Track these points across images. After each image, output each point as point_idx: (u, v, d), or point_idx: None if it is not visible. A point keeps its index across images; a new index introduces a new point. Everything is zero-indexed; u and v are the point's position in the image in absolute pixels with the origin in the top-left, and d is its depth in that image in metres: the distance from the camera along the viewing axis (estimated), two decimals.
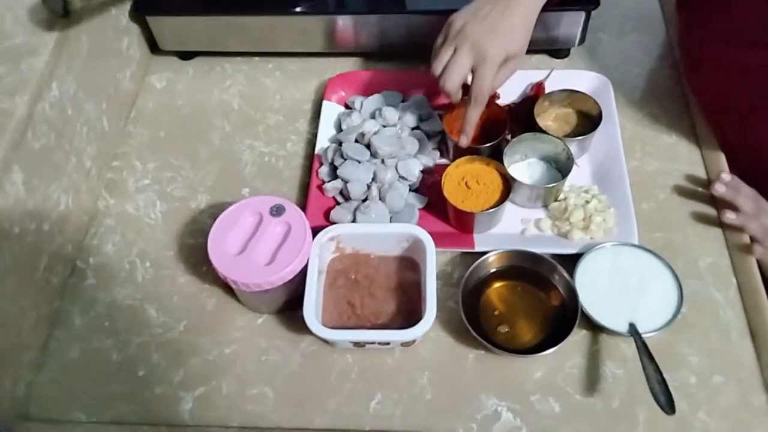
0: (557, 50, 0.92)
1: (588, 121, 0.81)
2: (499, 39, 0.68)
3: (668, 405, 0.59)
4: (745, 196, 0.73)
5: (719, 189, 0.74)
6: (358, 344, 0.68)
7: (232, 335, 0.71)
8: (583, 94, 0.81)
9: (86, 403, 0.67)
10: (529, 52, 0.90)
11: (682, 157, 0.82)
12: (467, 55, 0.69)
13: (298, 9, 0.87)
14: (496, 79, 0.71)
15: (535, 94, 0.85)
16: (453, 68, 0.69)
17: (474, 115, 0.73)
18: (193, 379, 0.68)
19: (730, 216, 0.72)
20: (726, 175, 0.75)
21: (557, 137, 0.77)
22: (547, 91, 0.85)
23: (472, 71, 0.70)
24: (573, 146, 0.77)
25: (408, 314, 0.69)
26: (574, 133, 0.80)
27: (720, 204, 0.75)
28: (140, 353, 0.70)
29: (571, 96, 0.81)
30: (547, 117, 0.82)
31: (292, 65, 0.95)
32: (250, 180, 0.83)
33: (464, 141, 0.75)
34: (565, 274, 0.68)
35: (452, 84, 0.70)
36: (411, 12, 0.87)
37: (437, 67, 0.71)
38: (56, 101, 0.73)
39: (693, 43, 0.83)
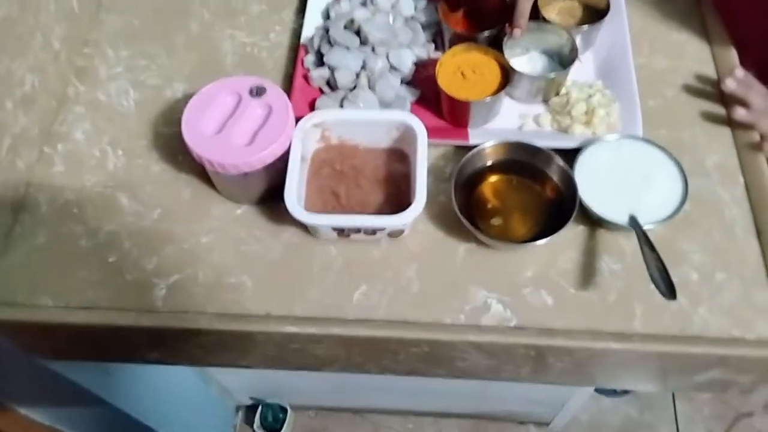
0: None
1: (594, 15, 0.75)
2: None
3: (668, 291, 0.56)
4: (758, 92, 0.69)
5: (730, 85, 0.70)
6: (342, 234, 0.64)
7: (209, 225, 0.67)
8: None
9: (53, 288, 0.63)
10: None
11: (691, 54, 0.77)
12: None
13: None
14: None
15: None
16: None
17: (526, 5, 0.69)
18: (167, 267, 0.64)
19: (741, 112, 0.68)
20: (739, 71, 0.70)
21: (561, 27, 0.71)
22: None
23: None
24: (578, 38, 0.72)
25: (396, 206, 0.65)
26: (580, 24, 0.75)
27: (730, 101, 0.71)
28: (111, 240, 0.66)
29: None
30: (551, 9, 0.77)
31: None
32: (231, 70, 0.78)
33: (517, 33, 0.71)
34: (564, 165, 0.64)
35: None
36: None
37: None
38: None
39: None
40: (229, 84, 0.65)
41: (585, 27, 0.73)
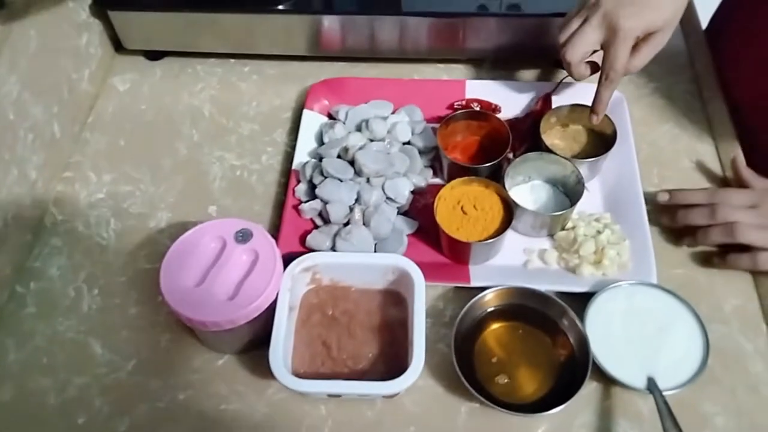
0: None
1: (600, 141, 0.72)
2: (636, 9, 0.61)
3: None
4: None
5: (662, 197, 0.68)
6: (333, 394, 0.58)
7: (188, 378, 0.61)
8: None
9: None
10: (534, 62, 0.83)
11: (703, 183, 0.73)
12: (597, 27, 0.63)
13: (280, 7, 0.78)
14: (635, 58, 0.65)
15: (540, 109, 0.76)
16: (577, 38, 0.64)
17: (606, 94, 0.68)
18: (140, 430, 0.58)
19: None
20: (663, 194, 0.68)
21: (566, 158, 0.68)
22: (554, 105, 0.76)
23: (603, 47, 0.64)
24: (583, 168, 0.68)
25: (392, 358, 0.60)
26: (585, 154, 0.72)
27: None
28: (81, 396, 0.60)
29: (581, 112, 0.72)
30: (554, 135, 0.73)
31: (272, 69, 0.86)
32: (219, 196, 0.74)
33: (594, 119, 0.70)
34: (575, 318, 0.59)
35: (572, 55, 0.65)
36: (406, 14, 0.78)
37: (563, 36, 0.66)
38: None
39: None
40: (213, 228, 0.61)
41: (591, 159, 0.69)
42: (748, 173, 0.68)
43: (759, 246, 0.63)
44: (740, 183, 0.69)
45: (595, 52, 0.67)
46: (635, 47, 0.65)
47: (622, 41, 0.62)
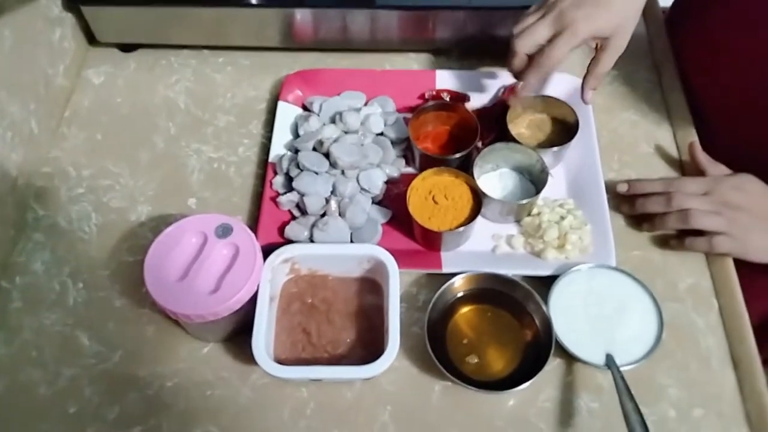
0: None
1: (564, 129, 0.75)
2: (590, 11, 0.63)
3: None
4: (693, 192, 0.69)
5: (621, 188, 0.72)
6: (314, 379, 0.62)
7: (175, 366, 0.64)
8: (559, 99, 0.75)
9: None
10: (502, 52, 0.85)
11: (661, 167, 0.77)
12: (550, 24, 0.65)
13: (252, 1, 0.79)
14: (598, 65, 0.68)
15: (507, 98, 0.79)
16: (529, 31, 0.66)
17: (531, 79, 0.69)
18: (129, 417, 0.61)
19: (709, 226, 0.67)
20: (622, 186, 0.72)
21: (531, 147, 0.71)
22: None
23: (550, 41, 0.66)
24: (548, 157, 0.71)
25: (369, 343, 0.63)
26: (549, 142, 0.75)
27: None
28: (71, 387, 0.63)
29: (545, 101, 0.76)
30: (521, 124, 0.76)
31: (246, 59, 0.87)
32: (197, 189, 0.76)
33: (511, 100, 0.73)
34: (539, 301, 0.63)
35: (521, 45, 0.67)
36: (379, 7, 0.80)
37: (517, 28, 0.68)
38: None
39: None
40: (194, 223, 0.63)
41: (554, 148, 0.72)
42: (704, 158, 0.72)
43: (711, 230, 0.67)
44: (696, 167, 0.73)
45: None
46: (596, 55, 0.68)
47: (567, 38, 0.64)
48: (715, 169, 0.71)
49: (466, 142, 0.73)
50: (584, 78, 0.71)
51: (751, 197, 0.68)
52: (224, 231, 0.62)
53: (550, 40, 0.66)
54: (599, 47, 0.68)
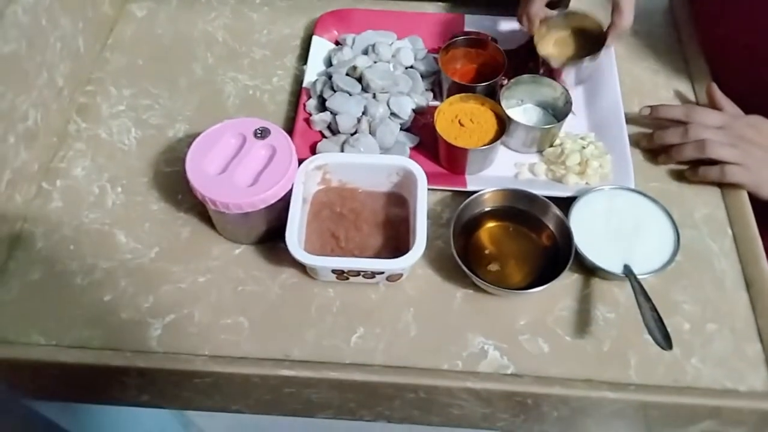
0: None
1: (590, 41, 0.77)
2: None
3: (665, 341, 0.57)
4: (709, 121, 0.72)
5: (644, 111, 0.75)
6: (340, 276, 0.64)
7: (208, 264, 0.67)
8: (580, 12, 0.77)
9: (46, 326, 0.62)
10: None
11: None
12: None
13: None
14: (622, 16, 0.71)
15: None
16: None
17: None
18: (163, 306, 0.64)
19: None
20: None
21: (557, 82, 0.74)
22: None
23: None
24: (581, 71, 0.76)
25: (395, 249, 0.66)
26: (578, 56, 0.77)
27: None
28: (107, 278, 0.65)
29: (568, 17, 0.78)
30: (548, 43, 0.78)
31: (282, 2, 0.91)
32: (233, 112, 0.79)
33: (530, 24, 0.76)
34: (560, 214, 0.66)
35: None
36: None
37: None
38: (30, 7, 0.68)
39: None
40: (233, 125, 0.66)
41: (586, 59, 0.74)
42: (721, 98, 0.75)
43: (726, 160, 0.69)
44: (714, 107, 0.75)
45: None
46: (615, 5, 0.71)
47: None
48: (732, 108, 0.74)
49: (493, 78, 0.76)
50: (608, 31, 0.73)
51: (765, 135, 0.70)
52: (263, 133, 0.65)
53: None
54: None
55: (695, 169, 0.72)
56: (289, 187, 0.64)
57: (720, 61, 0.83)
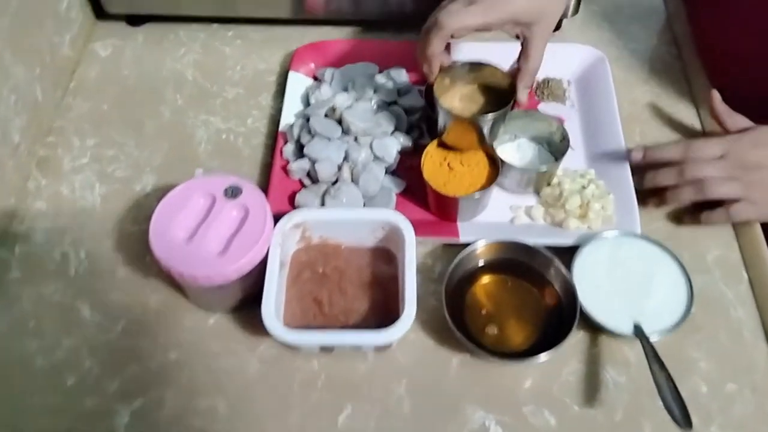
0: None
1: (499, 97, 0.66)
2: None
3: (684, 419, 0.52)
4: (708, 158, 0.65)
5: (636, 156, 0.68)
6: (325, 348, 0.58)
7: (179, 337, 0.61)
8: (489, 65, 0.67)
9: (4, 418, 0.57)
10: None
11: (685, 138, 0.74)
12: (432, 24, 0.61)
13: None
14: (529, 59, 0.63)
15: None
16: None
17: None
18: (131, 390, 0.58)
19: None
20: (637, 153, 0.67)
21: (552, 117, 0.68)
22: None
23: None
24: (485, 127, 0.64)
25: (383, 313, 0.60)
26: (483, 113, 0.66)
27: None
28: (70, 358, 0.60)
29: (476, 70, 0.67)
30: (453, 97, 0.67)
31: (255, 33, 0.85)
32: (205, 159, 0.73)
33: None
34: (562, 268, 0.60)
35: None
36: None
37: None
38: None
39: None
40: (202, 184, 0.60)
41: (489, 116, 0.63)
42: (722, 108, 0.68)
43: (728, 197, 0.64)
44: (715, 119, 0.69)
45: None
46: (522, 48, 0.64)
47: (436, 32, 0.60)
48: (734, 120, 0.67)
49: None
50: (517, 77, 0.65)
51: None
52: (233, 192, 0.59)
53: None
54: (523, 38, 0.63)
55: (696, 214, 0.66)
56: (265, 252, 0.58)
57: (722, 73, 0.77)
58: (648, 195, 0.67)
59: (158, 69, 0.81)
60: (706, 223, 0.65)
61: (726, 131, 0.68)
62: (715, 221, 0.65)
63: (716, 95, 0.69)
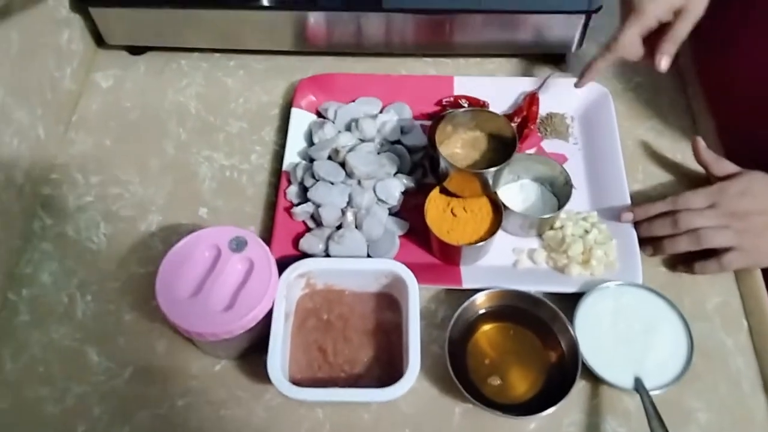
0: (552, 55, 0.83)
1: (501, 145, 0.67)
2: None
3: None
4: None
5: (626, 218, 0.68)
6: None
7: (186, 384, 0.62)
8: (492, 112, 0.69)
9: None
10: (521, 56, 0.83)
11: (689, 178, 0.74)
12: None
13: (265, 3, 0.77)
14: (676, 32, 0.66)
15: (528, 106, 0.77)
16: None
17: (601, 64, 0.72)
18: None
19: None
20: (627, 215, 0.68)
21: (555, 161, 0.69)
22: (540, 102, 0.77)
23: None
24: (489, 177, 0.65)
25: (387, 362, 0.61)
26: (486, 161, 0.67)
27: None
28: (80, 405, 0.61)
29: (479, 117, 0.68)
30: (453, 144, 0.68)
31: (258, 64, 0.85)
32: (209, 198, 0.74)
33: (576, 83, 0.75)
34: (564, 320, 0.61)
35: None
36: (388, 10, 0.77)
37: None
38: None
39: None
40: (207, 236, 0.61)
41: (491, 170, 0.64)
42: (707, 155, 0.69)
43: (723, 246, 0.64)
44: (701, 164, 0.70)
45: None
46: (672, 22, 0.66)
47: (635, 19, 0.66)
48: (721, 166, 0.68)
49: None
50: (659, 44, 0.67)
51: (758, 199, 0.65)
52: (238, 245, 0.60)
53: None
54: (675, 14, 0.66)
55: (689, 264, 0.67)
56: (270, 306, 0.59)
57: (728, 115, 0.77)
58: (644, 243, 0.67)
59: (160, 101, 0.81)
60: (700, 273, 0.66)
61: (713, 177, 0.69)
62: (709, 272, 0.66)
63: (701, 142, 0.70)
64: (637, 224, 0.68)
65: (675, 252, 0.66)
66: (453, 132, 0.68)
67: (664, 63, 0.68)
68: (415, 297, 0.60)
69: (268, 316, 0.59)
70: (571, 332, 0.60)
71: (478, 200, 0.67)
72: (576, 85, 0.74)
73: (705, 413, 0.60)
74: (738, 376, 0.62)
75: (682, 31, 0.66)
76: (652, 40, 0.68)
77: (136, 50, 0.85)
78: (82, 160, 0.76)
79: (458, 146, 0.68)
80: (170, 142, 0.78)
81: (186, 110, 0.81)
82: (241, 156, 0.77)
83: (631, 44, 0.68)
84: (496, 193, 0.67)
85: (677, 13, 0.66)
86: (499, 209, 0.67)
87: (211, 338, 0.57)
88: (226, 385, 0.62)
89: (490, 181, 0.65)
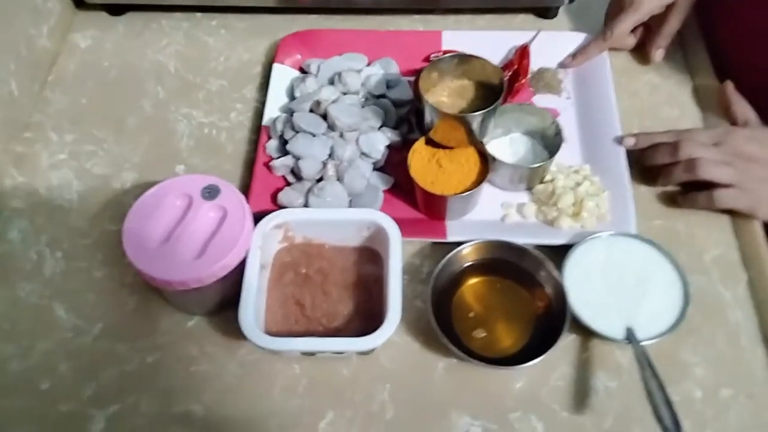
0: (544, 9, 0.80)
1: (489, 93, 0.64)
2: None
3: (675, 429, 0.49)
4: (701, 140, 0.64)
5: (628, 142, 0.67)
6: (307, 352, 0.57)
7: (156, 341, 0.59)
8: (479, 59, 0.64)
9: None
10: (512, 11, 0.80)
11: None
12: None
13: None
14: (668, 24, 0.71)
15: (519, 60, 0.74)
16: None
17: (594, 50, 0.74)
18: (106, 394, 0.56)
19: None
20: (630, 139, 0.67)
21: (546, 110, 0.66)
22: (531, 56, 0.74)
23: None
24: (474, 124, 0.61)
25: (367, 316, 0.58)
26: (474, 108, 0.63)
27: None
28: (45, 362, 0.58)
29: (466, 64, 0.64)
30: (440, 92, 0.65)
31: (240, 22, 0.82)
32: (186, 155, 0.71)
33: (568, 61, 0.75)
34: (553, 270, 0.58)
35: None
36: None
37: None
38: None
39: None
40: (178, 184, 0.58)
41: (478, 113, 0.60)
42: (736, 96, 0.68)
43: (719, 181, 0.62)
44: (723, 102, 0.69)
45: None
46: (664, 14, 0.71)
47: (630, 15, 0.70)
48: (741, 107, 0.67)
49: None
50: (653, 38, 0.73)
51: (766, 148, 0.62)
52: (211, 192, 0.57)
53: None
54: (667, 7, 0.70)
55: (686, 194, 0.64)
56: (243, 256, 0.56)
57: (736, 81, 0.74)
58: (656, 175, 0.66)
59: (139, 61, 0.79)
60: (690, 203, 0.64)
61: (729, 116, 0.68)
62: (698, 204, 0.63)
63: (730, 84, 0.69)
64: (638, 155, 0.66)
65: (672, 182, 0.65)
66: (439, 80, 0.65)
67: (659, 56, 0.74)
68: (397, 245, 0.57)
69: (242, 267, 0.56)
70: (559, 282, 0.57)
71: (465, 151, 0.64)
72: (566, 65, 0.75)
73: (701, 368, 0.57)
74: (737, 330, 0.59)
75: (674, 25, 0.72)
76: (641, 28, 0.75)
77: (115, 10, 0.83)
78: (57, 119, 0.74)
79: (444, 95, 0.65)
80: (148, 100, 0.75)
81: (165, 69, 0.78)
82: (221, 114, 0.74)
83: (623, 36, 0.73)
84: (482, 143, 0.64)
85: (669, 7, 0.69)
86: (486, 160, 0.64)
87: (179, 287, 0.54)
88: (198, 342, 0.59)
89: (477, 128, 0.62)
